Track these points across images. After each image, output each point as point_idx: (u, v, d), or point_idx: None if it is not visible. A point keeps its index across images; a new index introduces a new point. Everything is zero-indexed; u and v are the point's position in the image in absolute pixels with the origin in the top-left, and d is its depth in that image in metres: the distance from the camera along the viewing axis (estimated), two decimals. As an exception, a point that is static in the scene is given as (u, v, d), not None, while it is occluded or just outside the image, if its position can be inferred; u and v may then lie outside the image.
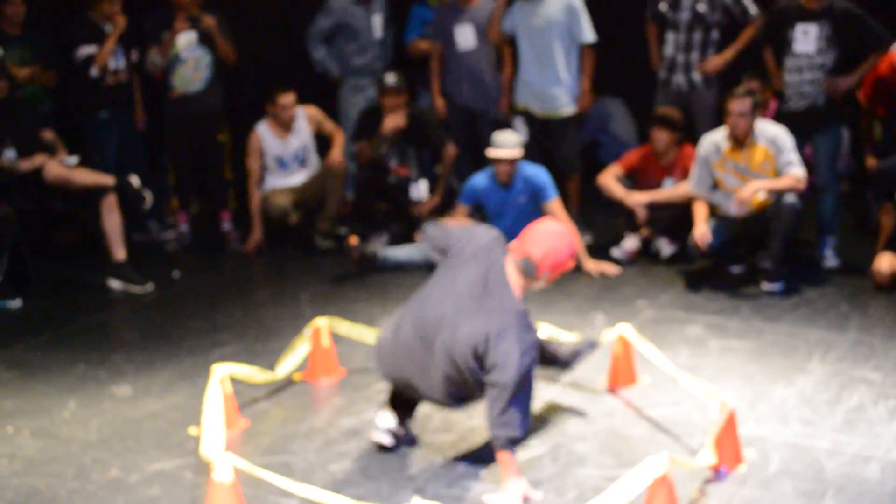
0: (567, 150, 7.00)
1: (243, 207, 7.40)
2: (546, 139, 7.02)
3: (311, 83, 7.75)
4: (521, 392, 3.51)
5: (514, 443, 3.53)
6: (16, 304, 5.95)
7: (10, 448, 4.08)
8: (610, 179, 6.65)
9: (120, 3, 6.88)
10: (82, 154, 6.67)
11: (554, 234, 3.76)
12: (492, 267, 3.70)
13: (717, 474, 3.68)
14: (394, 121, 6.82)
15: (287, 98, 6.95)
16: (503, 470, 3.56)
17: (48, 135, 6.46)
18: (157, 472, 3.85)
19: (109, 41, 6.87)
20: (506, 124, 6.93)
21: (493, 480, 3.71)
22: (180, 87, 7.17)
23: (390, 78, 6.89)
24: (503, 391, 3.47)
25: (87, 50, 6.87)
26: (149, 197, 6.43)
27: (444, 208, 6.92)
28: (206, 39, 7.09)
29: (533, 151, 6.81)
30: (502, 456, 3.54)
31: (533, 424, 4.10)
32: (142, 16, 7.15)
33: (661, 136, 6.56)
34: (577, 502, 3.44)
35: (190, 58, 7.10)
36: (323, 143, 7.30)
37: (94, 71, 6.88)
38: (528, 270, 3.65)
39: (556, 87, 6.81)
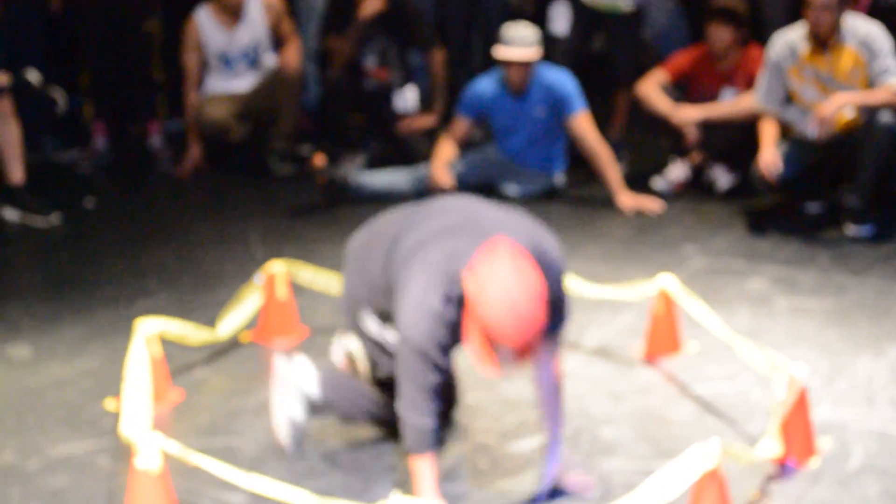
0: (624, 54, 7.00)
1: (177, 117, 7.37)
2: (594, 37, 7.00)
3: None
4: (415, 371, 3.32)
5: (418, 442, 3.35)
6: None
7: None
8: (653, 89, 6.65)
9: None
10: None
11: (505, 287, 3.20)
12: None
13: (782, 469, 3.69)
14: (372, 5, 6.79)
15: None
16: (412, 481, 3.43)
17: None
18: (63, 456, 3.87)
19: None
20: (520, 13, 6.88)
21: (495, 469, 3.74)
22: None
23: None
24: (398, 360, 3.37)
25: None
26: (61, 98, 6.43)
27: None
28: None
29: (571, 50, 6.80)
30: (410, 461, 3.41)
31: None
32: None
33: (721, 34, 6.55)
34: (603, 501, 3.47)
35: None
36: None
37: None
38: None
39: None
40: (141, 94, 7.58)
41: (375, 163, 6.82)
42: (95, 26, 7.28)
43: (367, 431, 4.01)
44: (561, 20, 6.88)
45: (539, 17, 7.00)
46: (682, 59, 6.85)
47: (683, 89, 6.70)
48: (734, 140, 6.49)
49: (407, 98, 7.01)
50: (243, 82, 7.18)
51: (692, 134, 6.48)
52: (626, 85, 7.04)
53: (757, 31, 6.71)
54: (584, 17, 6.93)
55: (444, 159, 6.33)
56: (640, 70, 7.19)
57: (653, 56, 7.96)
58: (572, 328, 4.76)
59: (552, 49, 6.61)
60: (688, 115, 6.49)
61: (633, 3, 6.90)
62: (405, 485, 3.59)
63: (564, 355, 4.52)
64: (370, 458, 3.84)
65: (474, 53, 7.59)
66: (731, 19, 6.55)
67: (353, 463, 3.82)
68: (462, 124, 6.42)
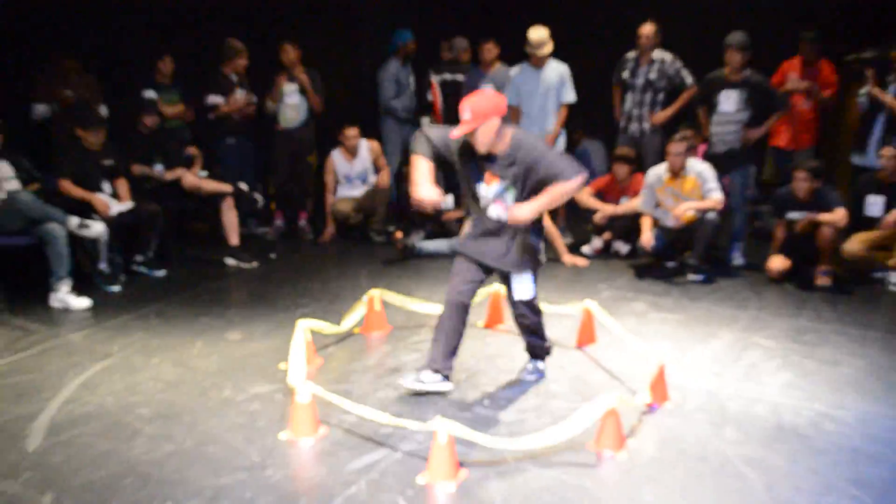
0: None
1: (319, 209, 7.43)
2: None
3: (374, 126, 7.79)
4: None
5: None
6: (161, 273, 6.03)
7: (155, 373, 4.17)
8: (587, 197, 6.70)
9: (246, 60, 6.86)
10: (211, 170, 6.76)
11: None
12: None
13: (650, 409, 3.71)
14: None
15: (352, 131, 7.01)
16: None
17: (193, 150, 6.54)
18: (257, 393, 3.92)
19: (235, 106, 6.84)
20: None
21: (494, 406, 3.75)
22: (283, 122, 7.20)
23: (426, 120, 6.97)
24: None
25: (214, 99, 6.88)
26: (260, 199, 6.55)
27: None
28: (303, 90, 7.13)
29: None
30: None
31: (522, 370, 4.15)
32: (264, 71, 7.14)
33: (622, 169, 6.60)
34: (552, 424, 3.48)
35: (290, 102, 7.14)
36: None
37: (210, 115, 6.90)
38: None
39: (547, 131, 6.82)
40: (300, 197, 7.61)
41: (429, 236, 6.84)
42: (282, 159, 7.30)
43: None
44: None
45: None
46: (600, 181, 6.85)
47: (600, 197, 6.73)
48: (628, 226, 6.49)
49: (448, 201, 7.01)
50: (357, 191, 7.20)
51: (603, 221, 6.53)
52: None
53: (640, 166, 6.73)
54: None
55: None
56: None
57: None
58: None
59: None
60: (606, 210, 6.53)
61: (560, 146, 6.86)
62: (444, 412, 3.63)
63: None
64: (423, 398, 3.84)
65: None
66: (627, 162, 6.60)
67: (414, 400, 3.83)
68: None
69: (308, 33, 7.49)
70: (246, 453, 3.32)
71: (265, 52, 7.12)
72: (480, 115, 3.49)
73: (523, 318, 3.92)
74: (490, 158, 3.63)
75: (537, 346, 4.07)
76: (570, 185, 3.51)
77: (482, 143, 3.57)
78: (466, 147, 3.66)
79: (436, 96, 7.55)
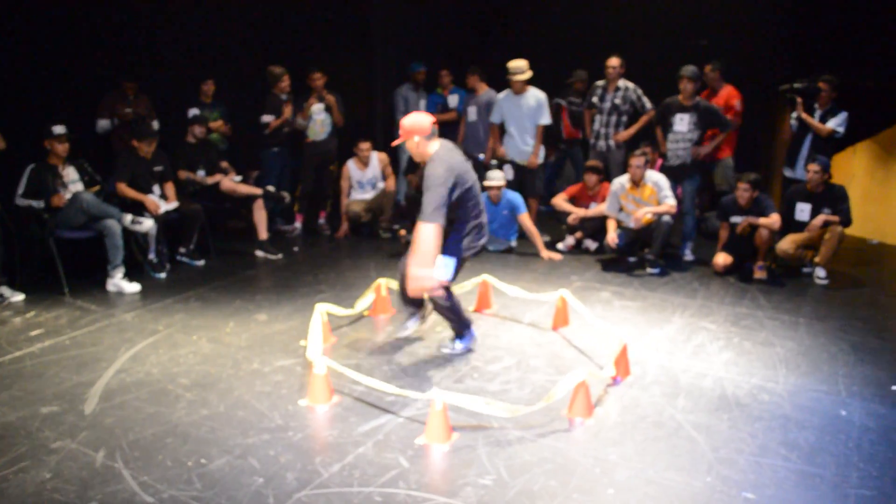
0: (533, 184, 6.95)
1: (335, 210, 7.38)
2: (522, 177, 6.96)
3: (387, 141, 7.72)
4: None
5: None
6: (201, 263, 5.96)
7: (194, 348, 4.12)
8: (562, 201, 6.64)
9: (289, 80, 6.80)
10: (244, 175, 6.68)
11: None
12: None
13: (615, 381, 3.68)
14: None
15: (365, 144, 6.94)
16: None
17: (224, 164, 6.47)
18: (280, 366, 3.88)
19: (280, 120, 6.80)
20: (490, 167, 6.86)
21: (482, 379, 3.70)
22: (311, 136, 7.10)
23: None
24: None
25: (266, 118, 6.82)
26: (286, 196, 6.49)
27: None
28: (328, 108, 7.05)
29: (515, 185, 6.79)
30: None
31: (505, 348, 4.10)
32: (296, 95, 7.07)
33: (592, 179, 6.53)
34: (532, 395, 3.44)
35: (318, 119, 7.06)
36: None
37: (266, 131, 6.85)
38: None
39: (527, 148, 6.75)
40: (319, 200, 7.53)
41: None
42: (309, 167, 7.19)
43: (424, 357, 3.98)
44: (508, 171, 6.83)
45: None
46: (572, 188, 6.76)
47: (573, 202, 6.66)
48: (596, 227, 6.43)
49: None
50: (369, 195, 7.12)
51: (575, 222, 6.46)
52: (536, 198, 6.92)
53: (606, 176, 6.66)
54: (517, 169, 6.82)
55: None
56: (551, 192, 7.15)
57: (560, 186, 7.89)
58: (521, 313, 4.77)
59: (509, 184, 6.57)
60: (577, 213, 6.47)
61: (540, 160, 6.77)
62: (440, 384, 3.60)
63: (512, 327, 4.52)
64: (422, 371, 3.81)
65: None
66: (596, 172, 6.52)
67: (414, 373, 3.79)
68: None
69: (331, 63, 7.43)
70: (270, 417, 3.28)
71: (295, 77, 7.04)
72: (405, 132, 3.71)
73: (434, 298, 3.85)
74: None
75: (451, 325, 4.02)
76: (422, 230, 3.45)
77: (412, 153, 3.77)
78: None
79: (565, 117, 7.73)
